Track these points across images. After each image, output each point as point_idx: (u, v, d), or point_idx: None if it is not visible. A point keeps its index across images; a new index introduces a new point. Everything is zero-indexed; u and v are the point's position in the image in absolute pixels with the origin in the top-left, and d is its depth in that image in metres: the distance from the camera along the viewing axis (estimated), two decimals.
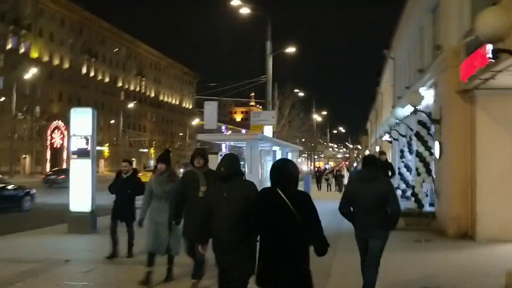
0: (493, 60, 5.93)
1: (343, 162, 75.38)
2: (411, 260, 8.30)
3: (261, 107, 75.05)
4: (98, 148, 61.87)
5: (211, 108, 18.34)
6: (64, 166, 50.59)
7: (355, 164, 43.55)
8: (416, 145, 13.33)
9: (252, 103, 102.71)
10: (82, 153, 11.44)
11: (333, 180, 32.88)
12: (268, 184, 4.13)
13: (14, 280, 6.86)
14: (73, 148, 11.56)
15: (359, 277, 6.05)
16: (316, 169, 48.82)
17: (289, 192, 3.87)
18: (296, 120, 48.01)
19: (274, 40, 25.90)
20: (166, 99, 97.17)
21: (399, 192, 15.15)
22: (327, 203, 15.79)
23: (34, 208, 17.64)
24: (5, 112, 51.98)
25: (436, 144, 11.75)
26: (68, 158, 11.85)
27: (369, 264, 5.65)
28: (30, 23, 60.52)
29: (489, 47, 6.40)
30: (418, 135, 12.73)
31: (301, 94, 47.73)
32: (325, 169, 47.80)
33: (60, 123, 61.27)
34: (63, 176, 30.98)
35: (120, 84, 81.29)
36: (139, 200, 7.54)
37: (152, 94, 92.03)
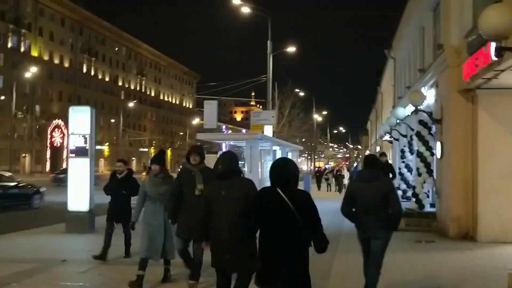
0: (497, 58, 5.84)
1: (343, 162, 75.33)
2: (411, 260, 8.23)
3: (261, 106, 74.94)
4: (98, 147, 62.03)
5: (211, 107, 18.26)
6: (64, 165, 50.53)
7: (355, 164, 43.45)
8: (417, 145, 13.23)
9: (252, 103, 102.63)
10: (80, 152, 11.35)
11: (333, 180, 32.81)
12: (268, 183, 4.09)
13: (9, 280, 6.77)
14: (72, 146, 11.49)
15: (360, 278, 5.99)
16: (316, 169, 48.76)
17: (289, 191, 3.84)
18: (296, 120, 48.01)
19: (275, 40, 25.92)
20: (166, 98, 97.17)
21: (399, 193, 15.06)
22: (327, 203, 15.76)
23: (42, 206, 17.98)
24: (5, 111, 51.93)
25: (437, 144, 11.66)
26: (68, 157, 11.76)
27: (370, 265, 5.60)
28: (30, 22, 60.52)
29: (493, 45, 6.31)
30: (419, 135, 12.64)
31: (301, 94, 47.74)
32: (325, 169, 47.73)
33: (60, 122, 61.25)
34: None
35: (120, 83, 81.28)
36: (134, 200, 7.41)
37: (152, 94, 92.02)
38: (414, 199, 12.90)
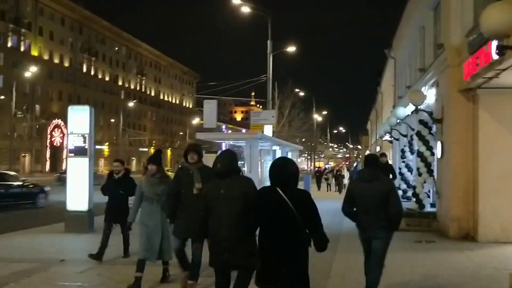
0: (498, 57, 5.80)
1: (343, 163, 75.32)
2: (411, 261, 8.18)
3: (261, 106, 74.91)
4: (98, 147, 61.98)
5: (210, 106, 18.22)
6: (64, 165, 50.50)
7: (355, 164, 43.49)
8: (417, 144, 13.20)
9: (252, 103, 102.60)
10: (79, 151, 11.31)
11: (333, 180, 32.79)
12: (267, 183, 4.06)
13: (7, 280, 6.73)
14: (71, 146, 11.44)
15: (360, 278, 5.96)
16: (316, 169, 48.73)
17: (289, 191, 3.83)
18: (296, 120, 47.98)
19: (275, 40, 25.89)
20: (166, 98, 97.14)
21: (400, 193, 15.02)
22: (327, 203, 15.73)
23: (47, 205, 18.14)
24: (5, 110, 51.90)
25: (438, 144, 11.62)
26: (67, 156, 11.71)
27: (372, 265, 5.57)
28: (30, 22, 60.49)
29: (494, 43, 6.26)
30: (419, 134, 12.60)
31: (301, 93, 47.71)
32: (325, 169, 47.70)
33: (60, 121, 61.22)
34: None
35: (120, 83, 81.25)
36: (132, 200, 7.37)
37: (152, 94, 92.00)
38: (414, 199, 12.86)
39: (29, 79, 55.57)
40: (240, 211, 4.27)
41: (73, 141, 11.38)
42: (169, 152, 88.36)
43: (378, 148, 34.83)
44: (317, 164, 67.74)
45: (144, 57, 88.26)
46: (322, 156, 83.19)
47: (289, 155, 19.17)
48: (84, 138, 11.34)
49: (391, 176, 13.44)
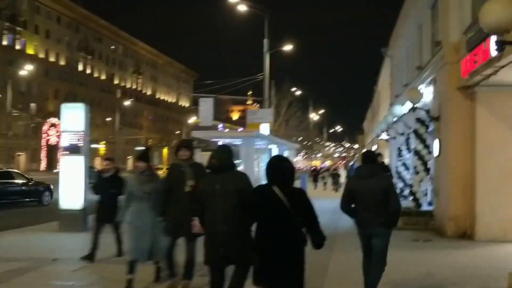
0: (498, 52, 5.72)
1: (340, 162, 75.37)
2: (409, 259, 8.11)
3: (258, 105, 74.82)
4: (95, 146, 61.80)
5: (206, 104, 18.13)
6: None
7: (351, 163, 43.45)
8: (414, 143, 13.12)
9: (249, 102, 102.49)
10: (73, 149, 11.19)
11: (330, 178, 32.75)
12: (263, 181, 4.05)
13: None
14: (65, 144, 11.32)
15: (357, 276, 5.88)
16: (313, 168, 48.69)
17: (285, 189, 3.81)
18: (293, 119, 47.93)
19: (274, 40, 25.97)
20: (163, 97, 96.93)
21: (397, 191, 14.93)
22: (323, 202, 15.64)
23: (52, 203, 18.04)
24: (0, 109, 51.67)
25: (435, 142, 11.55)
26: (62, 154, 11.58)
27: (373, 264, 5.51)
28: (26, 20, 60.21)
29: (493, 39, 6.18)
30: (416, 133, 12.52)
31: (298, 92, 47.64)
32: (322, 168, 47.67)
33: (56, 120, 60.94)
34: None
35: (116, 81, 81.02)
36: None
37: (149, 92, 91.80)
38: (411, 198, 12.78)
39: (25, 78, 55.34)
40: (236, 206, 4.26)
41: (67, 139, 11.26)
42: (165, 150, 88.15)
43: (375, 147, 34.78)
44: (314, 163, 67.63)
45: (141, 55, 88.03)
46: (319, 156, 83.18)
47: (286, 154, 19.10)
48: (79, 136, 11.22)
49: None
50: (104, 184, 8.08)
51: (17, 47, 59.03)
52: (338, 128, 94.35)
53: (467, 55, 9.13)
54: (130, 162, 76.89)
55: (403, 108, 14.03)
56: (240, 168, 11.26)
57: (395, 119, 15.11)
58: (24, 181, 17.95)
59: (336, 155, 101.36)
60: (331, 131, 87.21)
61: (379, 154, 14.84)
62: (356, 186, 5.53)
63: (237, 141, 15.67)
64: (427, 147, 12.23)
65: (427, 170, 12.30)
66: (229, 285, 4.60)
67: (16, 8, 58.13)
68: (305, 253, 3.82)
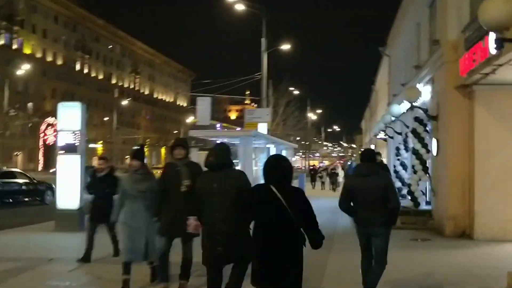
0: (497, 50, 5.68)
1: (338, 161, 75.42)
2: (408, 259, 8.07)
3: (256, 105, 74.76)
4: (93, 145, 61.64)
5: (204, 104, 18.07)
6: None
7: (349, 162, 43.54)
8: (412, 142, 13.08)
9: (247, 101, 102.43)
10: (70, 149, 11.12)
11: (327, 178, 32.74)
12: (261, 181, 4.01)
13: None
14: (61, 143, 11.25)
15: (355, 276, 5.84)
16: (311, 167, 48.69)
17: (283, 189, 3.79)
18: (291, 118, 47.88)
19: (272, 39, 25.84)
20: (160, 96, 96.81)
21: None
22: (321, 201, 15.62)
23: (54, 202, 18.21)
24: None
25: (433, 141, 11.52)
26: (59, 153, 11.49)
27: (374, 263, 5.49)
28: (23, 19, 60.02)
29: (493, 37, 6.14)
30: (414, 132, 12.49)
31: (296, 92, 47.58)
32: (319, 167, 47.66)
33: (53, 120, 60.79)
34: None
35: (114, 81, 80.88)
36: None
37: (147, 92, 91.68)
38: (409, 197, 12.75)
39: (22, 77, 55.16)
40: (234, 205, 4.22)
41: (64, 138, 11.19)
42: (163, 150, 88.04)
43: (372, 147, 34.77)
44: (311, 162, 67.63)
45: (138, 55, 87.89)
46: (318, 155, 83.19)
47: (284, 153, 19.06)
48: (75, 135, 11.15)
49: None
50: (98, 184, 7.95)
51: (14, 46, 58.86)
52: (336, 128, 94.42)
53: (465, 53, 9.10)
54: (128, 161, 76.72)
55: (401, 107, 13.98)
56: (238, 167, 11.22)
57: (393, 118, 15.06)
58: (27, 180, 18.26)
59: (334, 154, 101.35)
60: (329, 130, 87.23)
61: (378, 153, 14.80)
62: (355, 184, 5.50)
63: (235, 141, 15.62)
64: (425, 146, 12.20)
65: (425, 169, 12.27)
66: (228, 284, 4.57)
67: (13, 7, 57.94)
68: (303, 252, 3.80)
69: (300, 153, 71.77)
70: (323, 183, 33.08)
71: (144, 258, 5.99)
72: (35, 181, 18.77)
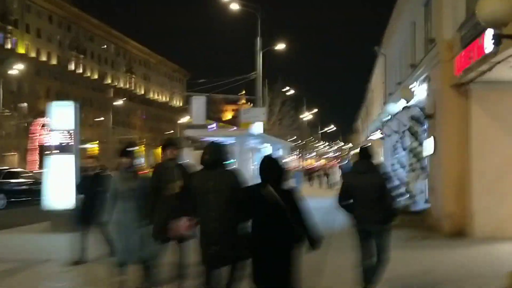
0: (495, 46, 5.64)
1: (334, 161, 75.47)
2: (406, 257, 8.03)
3: (252, 104, 74.69)
4: (88, 145, 61.40)
5: (198, 103, 18.01)
6: None
7: (346, 161, 43.61)
8: (409, 141, 13.07)
9: (242, 101, 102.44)
10: (64, 148, 11.05)
11: (324, 177, 32.83)
12: (256, 180, 4.03)
13: None
14: (55, 143, 11.17)
15: (353, 275, 5.80)
16: (307, 167, 48.71)
17: (278, 189, 3.82)
18: (287, 118, 47.85)
19: (267, 39, 25.88)
20: (155, 96, 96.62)
21: None
22: (318, 201, 15.58)
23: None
24: None
25: (430, 139, 11.49)
26: (51, 153, 11.39)
27: (376, 262, 5.50)
28: (17, 19, 59.70)
29: (490, 33, 6.10)
30: (411, 130, 12.47)
31: (291, 92, 47.55)
32: (316, 166, 47.72)
33: (47, 119, 60.41)
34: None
35: (109, 81, 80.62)
36: None
37: (142, 92, 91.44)
38: (407, 196, 12.72)
39: (16, 77, 54.85)
40: (229, 204, 4.21)
41: (57, 138, 11.11)
42: (159, 150, 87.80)
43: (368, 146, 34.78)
44: (308, 162, 67.67)
45: (133, 54, 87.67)
46: (314, 155, 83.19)
47: (279, 153, 19.02)
48: (69, 134, 11.08)
49: None
50: (88, 183, 7.74)
51: (8, 46, 58.53)
52: (332, 127, 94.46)
53: (461, 52, 9.09)
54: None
55: (397, 106, 13.98)
56: (233, 167, 11.17)
57: (388, 117, 15.06)
58: (30, 180, 18.72)
59: (330, 154, 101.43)
60: (325, 130, 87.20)
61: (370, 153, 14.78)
62: (353, 181, 5.50)
63: (230, 140, 15.57)
64: (422, 145, 12.18)
65: (422, 168, 12.25)
66: (226, 285, 4.53)
67: (6, 6, 57.62)
68: (299, 252, 3.79)
69: (296, 152, 71.76)
70: (320, 182, 33.20)
71: (138, 258, 5.73)
72: (40, 180, 18.90)
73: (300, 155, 71.84)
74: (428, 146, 11.40)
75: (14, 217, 13.78)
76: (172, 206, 5.18)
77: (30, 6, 62.02)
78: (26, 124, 58.59)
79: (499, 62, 7.57)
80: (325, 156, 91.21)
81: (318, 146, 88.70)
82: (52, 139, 11.23)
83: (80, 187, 7.96)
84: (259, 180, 3.96)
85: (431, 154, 11.49)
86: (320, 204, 13.29)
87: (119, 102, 73.25)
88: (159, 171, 5.63)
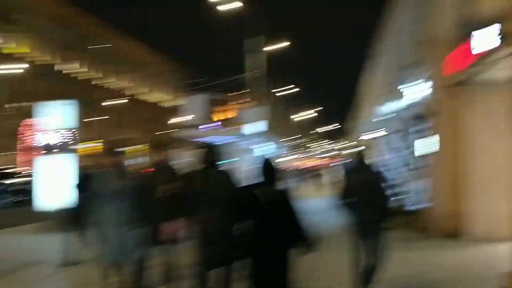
0: (500, 41, 5.57)
1: (330, 160, 75.56)
2: (399, 259, 7.90)
3: (251, 103, 74.65)
4: (85, 145, 61.17)
5: (196, 102, 17.99)
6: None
7: (344, 160, 43.73)
8: (402, 141, 13.07)
9: (242, 101, 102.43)
10: (58, 148, 10.95)
11: (321, 176, 32.85)
12: (251, 181, 4.07)
13: None
14: (48, 143, 11.07)
15: (346, 277, 5.81)
16: (304, 166, 48.72)
17: (271, 189, 3.85)
18: (285, 117, 47.93)
19: (268, 38, 25.87)
20: (150, 96, 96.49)
21: None
22: (313, 201, 15.57)
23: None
24: None
25: (425, 140, 11.48)
26: (44, 153, 11.29)
27: (374, 260, 5.53)
28: (9, 17, 59.45)
29: (481, 35, 6.08)
30: (405, 131, 12.47)
31: (290, 91, 47.58)
32: (313, 166, 47.75)
33: (39, 119, 60.07)
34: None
35: (103, 80, 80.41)
36: None
37: (137, 91, 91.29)
38: (402, 196, 12.70)
39: (9, 76, 54.66)
40: (226, 203, 4.21)
41: (50, 138, 11.02)
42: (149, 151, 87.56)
43: (362, 146, 34.86)
44: (306, 161, 67.68)
45: (128, 54, 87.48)
46: (311, 154, 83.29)
47: (277, 152, 19.02)
48: (65, 134, 10.98)
49: None
50: (85, 183, 7.68)
51: (4, 45, 58.32)
52: (331, 126, 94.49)
53: (453, 52, 9.07)
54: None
55: (391, 107, 13.98)
56: (228, 167, 11.15)
57: (383, 118, 15.06)
58: (27, 180, 18.67)
59: (328, 153, 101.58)
60: (323, 129, 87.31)
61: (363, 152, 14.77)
62: (352, 181, 5.54)
63: (227, 140, 15.57)
64: (416, 145, 12.18)
65: (415, 168, 12.25)
66: (223, 286, 4.51)
67: (2, 5, 57.41)
68: (293, 253, 3.82)
69: (294, 152, 71.82)
70: (316, 181, 33.26)
71: (126, 260, 5.45)
72: (32, 181, 19.11)
73: (298, 154, 71.94)
74: (421, 146, 11.40)
75: (7, 218, 13.68)
76: (163, 209, 5.10)
77: (23, 5, 61.80)
78: (19, 125, 58.50)
79: (491, 63, 7.54)
80: (322, 156, 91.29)
81: (316, 145, 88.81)
82: (47, 139, 11.13)
83: (78, 187, 7.76)
84: (254, 180, 3.98)
85: (426, 154, 11.48)
86: (316, 204, 13.27)
87: (113, 102, 73.09)
88: (145, 175, 5.52)
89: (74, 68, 71.18)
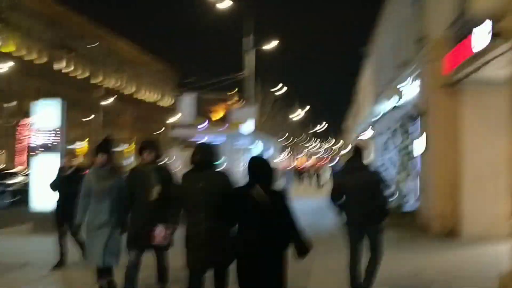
0: (492, 39, 5.53)
1: (324, 159, 75.66)
2: (395, 258, 7.87)
3: (242, 103, 74.63)
4: (78, 144, 60.92)
5: (188, 101, 17.85)
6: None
7: (337, 159, 43.79)
8: (398, 140, 13.00)
9: (233, 100, 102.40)
10: (48, 148, 10.81)
11: (315, 176, 32.86)
12: (245, 182, 3.97)
13: None
14: (38, 142, 10.93)
15: (342, 278, 5.73)
16: (297, 166, 48.73)
17: (266, 190, 3.78)
18: (278, 117, 47.88)
19: (258, 38, 25.77)
20: (145, 96, 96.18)
21: None
22: (307, 201, 15.49)
23: None
24: None
25: (421, 138, 11.42)
26: (36, 153, 11.13)
27: (371, 261, 5.47)
28: (3, 17, 59.02)
29: (478, 33, 6.01)
30: (401, 129, 12.41)
31: (282, 91, 47.52)
32: (306, 165, 47.78)
33: (32, 119, 59.76)
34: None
35: (98, 80, 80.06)
36: None
37: (131, 91, 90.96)
38: (396, 195, 12.65)
39: (4, 76, 54.28)
40: (219, 205, 4.09)
41: (41, 137, 10.87)
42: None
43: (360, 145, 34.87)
44: (298, 161, 67.71)
45: (123, 53, 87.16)
46: (305, 153, 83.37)
47: (270, 152, 18.93)
48: (55, 133, 10.84)
49: None
50: (62, 183, 7.40)
51: None
52: (323, 126, 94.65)
53: (451, 51, 9.00)
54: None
55: (386, 106, 13.91)
56: (222, 168, 11.03)
57: (378, 117, 14.99)
58: (23, 181, 18.65)
59: (321, 153, 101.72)
60: (316, 129, 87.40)
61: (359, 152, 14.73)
62: (346, 180, 5.46)
63: (219, 140, 15.42)
64: (411, 144, 12.12)
65: (412, 167, 12.19)
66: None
67: None
68: (287, 254, 3.76)
69: (287, 151, 71.83)
70: (310, 181, 33.29)
71: (101, 262, 5.26)
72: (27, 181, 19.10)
73: (291, 154, 71.95)
74: (419, 145, 11.33)
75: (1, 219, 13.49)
76: (149, 213, 4.94)
77: (17, 4, 61.38)
78: (13, 123, 58.07)
79: (488, 62, 7.47)
80: (316, 156, 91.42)
81: (309, 145, 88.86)
82: (37, 138, 10.97)
83: (53, 186, 7.54)
84: (249, 181, 3.90)
85: (422, 153, 11.43)
86: (310, 204, 13.18)
87: (108, 102, 72.76)
88: (134, 176, 5.26)
89: (62, 66, 70.71)
